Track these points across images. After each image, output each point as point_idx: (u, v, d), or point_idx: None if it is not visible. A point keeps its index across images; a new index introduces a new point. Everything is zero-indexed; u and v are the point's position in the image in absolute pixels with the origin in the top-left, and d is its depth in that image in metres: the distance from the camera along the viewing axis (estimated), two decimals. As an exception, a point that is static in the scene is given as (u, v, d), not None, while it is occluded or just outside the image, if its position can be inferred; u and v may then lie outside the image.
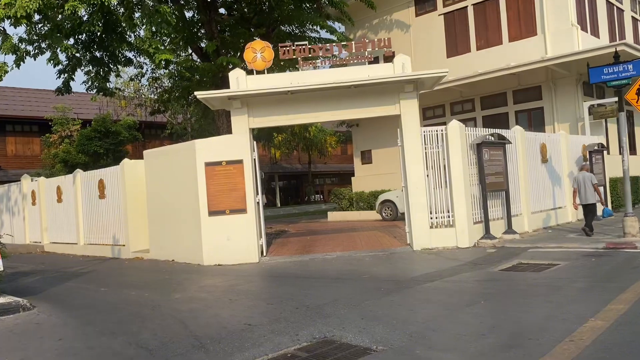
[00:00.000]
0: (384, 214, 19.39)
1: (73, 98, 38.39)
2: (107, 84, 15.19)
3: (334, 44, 10.95)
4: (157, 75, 24.25)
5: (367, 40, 10.95)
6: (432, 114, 21.16)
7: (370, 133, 23.09)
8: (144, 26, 12.13)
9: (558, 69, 17.01)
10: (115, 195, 13.68)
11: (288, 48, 10.92)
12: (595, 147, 14.91)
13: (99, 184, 14.25)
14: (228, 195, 10.86)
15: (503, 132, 12.04)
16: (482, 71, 17.97)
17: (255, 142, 11.17)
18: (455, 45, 20.15)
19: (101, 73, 14.71)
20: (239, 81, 10.87)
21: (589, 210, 11.09)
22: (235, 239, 10.78)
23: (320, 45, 10.94)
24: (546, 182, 13.79)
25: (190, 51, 19.78)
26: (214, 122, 22.58)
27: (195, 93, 10.52)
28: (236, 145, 10.90)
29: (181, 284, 8.80)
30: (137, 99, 34.45)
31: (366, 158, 23.55)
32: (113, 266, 12.04)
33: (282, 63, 13.74)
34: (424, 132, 10.98)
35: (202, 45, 18.73)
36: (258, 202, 11.10)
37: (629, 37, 21.31)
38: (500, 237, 11.36)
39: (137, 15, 12.66)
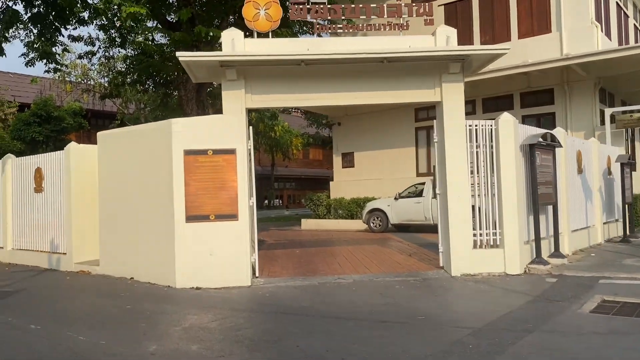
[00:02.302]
0: (372, 224, 17.01)
1: (10, 79, 34.25)
2: (54, 48, 12.05)
3: (360, 4, 8.43)
4: (111, 54, 20.99)
5: (402, 4, 8.52)
6: (425, 115, 19.03)
7: (353, 133, 20.75)
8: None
9: (578, 70, 15.18)
10: (56, 189, 10.63)
11: (302, 6, 8.34)
12: (628, 159, 13.07)
13: (36, 173, 11.14)
14: (214, 196, 8.14)
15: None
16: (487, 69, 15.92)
17: (251, 128, 8.51)
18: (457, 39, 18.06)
19: (45, 34, 11.57)
20: (234, 44, 8.19)
21: None
22: (221, 254, 8.07)
23: (344, 5, 8.40)
24: (581, 196, 11.78)
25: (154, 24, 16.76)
26: (179, 110, 19.63)
27: (178, 54, 7.77)
28: (227, 129, 8.21)
29: (152, 322, 6.03)
30: (84, 84, 30.82)
31: (347, 161, 21.15)
32: (50, 283, 9.03)
33: (280, 31, 11.02)
34: (469, 125, 8.65)
35: (169, 18, 15.89)
36: (252, 206, 8.43)
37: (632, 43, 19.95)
38: (550, 261, 9.16)
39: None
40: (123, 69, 20.86)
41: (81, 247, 10.09)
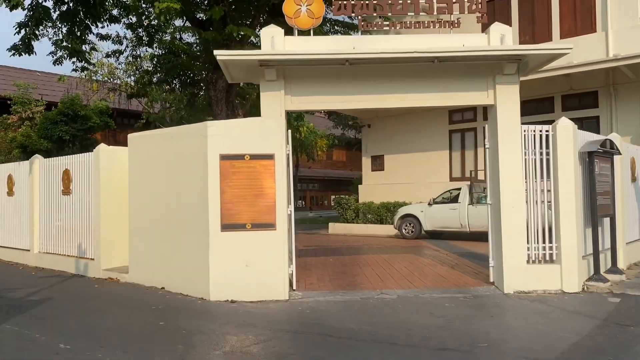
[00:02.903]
0: (404, 231, 16.40)
1: (38, 78, 34.39)
2: (83, 46, 11.70)
3: (408, 0, 7.86)
4: (139, 53, 20.68)
5: (453, 0, 7.93)
6: (460, 117, 18.35)
7: (383, 136, 20.15)
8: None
9: (627, 72, 14.37)
10: (84, 192, 10.28)
11: (346, 2, 7.80)
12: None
13: (64, 175, 10.81)
14: (251, 203, 7.65)
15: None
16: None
17: (290, 132, 8.01)
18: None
19: (75, 32, 11.21)
20: (274, 42, 7.70)
21: None
22: (258, 266, 7.59)
23: (391, 0, 7.84)
24: (634, 206, 11.04)
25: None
26: (207, 110, 19.28)
27: (216, 52, 7.29)
28: (266, 132, 7.72)
29: (189, 343, 5.55)
30: (110, 83, 30.70)
31: (377, 164, 20.54)
32: (77, 292, 8.65)
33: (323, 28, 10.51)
34: (525, 131, 8.02)
35: (198, 16, 15.50)
36: (290, 214, 7.94)
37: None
38: (608, 278, 8.48)
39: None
40: (150, 68, 20.62)
41: (110, 253, 9.72)
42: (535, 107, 16.79)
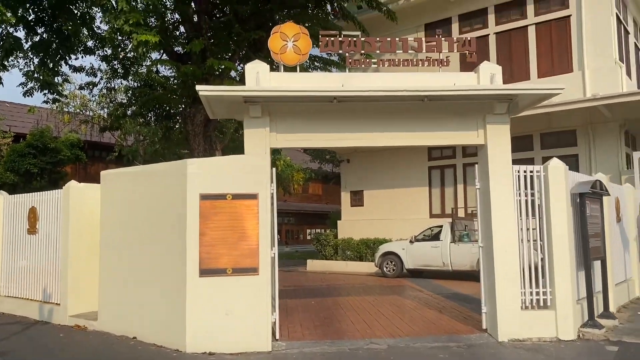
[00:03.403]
0: (385, 269, 16.01)
1: (6, 108, 33.43)
2: (56, 78, 11.20)
3: (397, 38, 7.69)
4: (113, 85, 20.23)
5: (442, 38, 7.79)
6: (439, 154, 18.27)
7: (363, 171, 19.92)
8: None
9: (605, 111, 14.51)
10: (52, 232, 9.65)
11: (332, 38, 7.58)
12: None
13: (30, 213, 10.17)
14: (232, 246, 7.19)
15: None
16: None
17: (274, 170, 7.63)
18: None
19: (48, 63, 10.74)
20: (259, 78, 7.38)
21: None
22: (239, 314, 7.08)
23: (379, 38, 7.65)
24: (620, 247, 10.91)
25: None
26: (183, 144, 18.84)
27: (198, 88, 6.93)
28: (249, 171, 7.33)
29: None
30: (82, 115, 29.99)
31: (356, 200, 20.24)
32: (40, 341, 7.95)
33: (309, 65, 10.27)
34: (517, 171, 7.82)
35: (177, 49, 15.22)
36: (273, 257, 7.49)
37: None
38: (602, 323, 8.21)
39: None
40: (124, 101, 20.14)
41: (77, 298, 9.05)
42: (515, 144, 16.44)
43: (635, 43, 17.98)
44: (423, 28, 18.72)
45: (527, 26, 16.74)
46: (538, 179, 7.88)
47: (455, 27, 18.07)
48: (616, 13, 15.41)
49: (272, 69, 7.66)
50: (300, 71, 7.94)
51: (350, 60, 7.69)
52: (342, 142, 7.65)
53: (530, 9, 16.65)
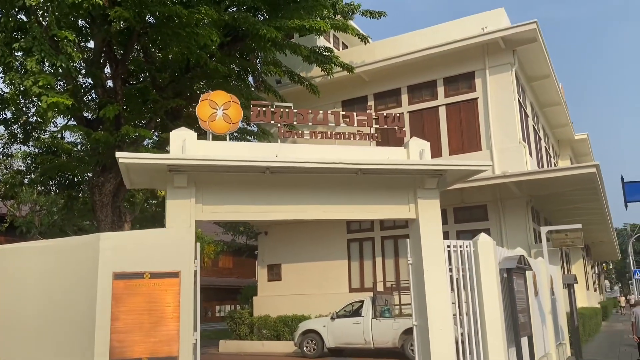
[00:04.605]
0: (305, 348, 15.29)
1: None
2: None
3: (329, 111, 7.61)
4: (10, 151, 18.65)
5: (372, 114, 7.83)
6: (357, 227, 18.26)
7: (281, 244, 19.41)
8: (31, 53, 7.76)
9: (514, 188, 15.32)
10: None
11: (264, 108, 7.35)
12: (573, 280, 12.83)
13: None
14: (149, 332, 6.36)
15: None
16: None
17: (198, 245, 7.02)
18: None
19: None
20: (185, 146, 6.90)
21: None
22: (154, 412, 6.17)
23: (311, 110, 7.53)
24: (538, 321, 11.11)
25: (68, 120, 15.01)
26: (90, 215, 17.44)
27: (117, 154, 6.32)
28: (171, 246, 6.66)
29: None
30: (-29, 182, 27.30)
31: (274, 274, 19.55)
32: None
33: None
34: (448, 246, 7.76)
35: (87, 115, 14.39)
36: (195, 343, 6.72)
37: (545, 164, 21.03)
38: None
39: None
40: (22, 168, 18.57)
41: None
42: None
43: (533, 125, 19.53)
44: (340, 104, 19.21)
45: (438, 106, 17.68)
46: (467, 254, 7.85)
47: (371, 104, 18.69)
48: (517, 98, 16.68)
49: (198, 137, 7.24)
50: (220, 139, 7.56)
51: (282, 131, 7.45)
52: (273, 215, 7.25)
53: (440, 90, 17.67)
